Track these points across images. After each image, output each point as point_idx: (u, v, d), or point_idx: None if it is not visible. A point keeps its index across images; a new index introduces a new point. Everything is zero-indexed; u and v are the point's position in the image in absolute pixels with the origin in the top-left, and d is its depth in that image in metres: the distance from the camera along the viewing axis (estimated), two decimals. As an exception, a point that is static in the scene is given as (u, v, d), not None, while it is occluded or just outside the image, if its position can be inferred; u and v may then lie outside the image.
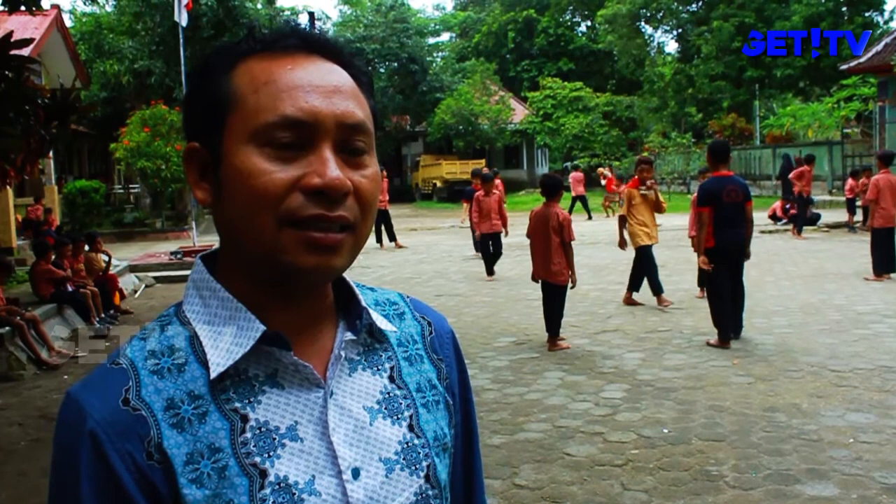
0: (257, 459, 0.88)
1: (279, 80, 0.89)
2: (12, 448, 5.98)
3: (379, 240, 18.22)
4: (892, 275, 11.47)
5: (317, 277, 0.91)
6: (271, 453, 0.88)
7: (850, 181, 17.83)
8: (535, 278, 8.28)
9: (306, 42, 0.93)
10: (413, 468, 0.96)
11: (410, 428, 0.98)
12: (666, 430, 5.54)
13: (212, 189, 0.93)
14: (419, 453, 0.98)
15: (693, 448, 5.18)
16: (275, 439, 0.89)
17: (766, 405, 5.99)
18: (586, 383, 6.81)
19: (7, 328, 8.29)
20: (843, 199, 19.07)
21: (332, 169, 0.88)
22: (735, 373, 6.90)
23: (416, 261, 16.13)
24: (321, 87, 0.90)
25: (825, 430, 5.41)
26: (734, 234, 7.90)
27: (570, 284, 8.06)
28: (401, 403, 0.99)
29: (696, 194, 8.71)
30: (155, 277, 14.75)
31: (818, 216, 19.42)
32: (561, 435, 5.56)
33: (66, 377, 8.05)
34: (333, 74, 0.92)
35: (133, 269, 14.95)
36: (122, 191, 32.06)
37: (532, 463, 5.06)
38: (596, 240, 18.12)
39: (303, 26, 0.96)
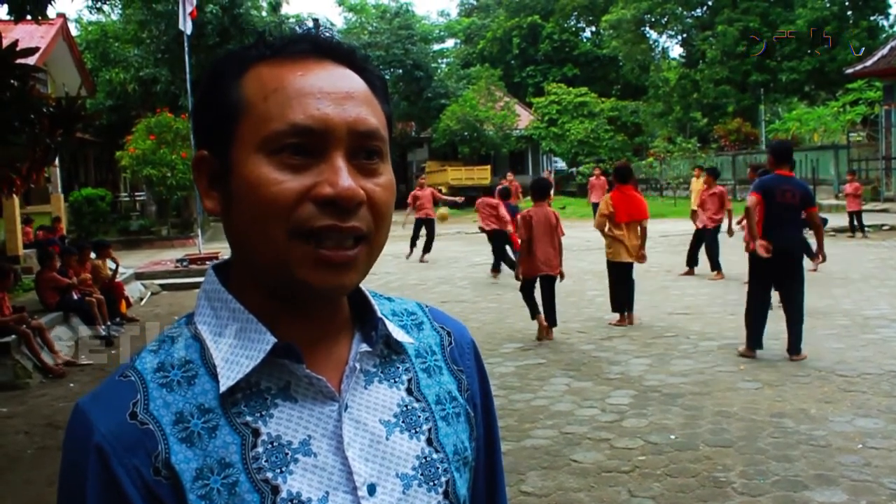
0: (269, 475, 0.85)
1: (289, 86, 0.87)
2: (18, 456, 5.98)
3: (419, 247, 17.01)
4: None
5: (328, 294, 0.89)
6: (284, 469, 0.86)
7: None
8: (532, 276, 8.76)
9: (318, 47, 0.91)
10: (431, 484, 0.93)
11: (429, 442, 0.95)
12: (673, 437, 5.52)
13: (221, 198, 0.91)
14: (438, 468, 0.95)
15: (700, 454, 5.16)
16: (287, 454, 0.86)
17: (774, 411, 5.96)
18: (593, 389, 6.79)
19: (13, 336, 8.30)
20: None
21: (344, 178, 0.85)
22: (742, 378, 6.87)
23: (422, 267, 16.11)
24: (332, 93, 0.87)
25: (833, 435, 5.38)
26: (784, 239, 7.24)
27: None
28: (419, 416, 0.96)
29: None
30: (161, 285, 14.74)
31: (825, 221, 19.34)
32: (567, 441, 5.54)
33: (71, 385, 8.05)
34: (346, 80, 0.90)
35: (139, 276, 14.95)
36: (127, 198, 32.13)
37: (539, 470, 5.05)
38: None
39: (314, 31, 0.94)
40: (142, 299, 13.66)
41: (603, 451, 5.31)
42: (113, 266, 12.05)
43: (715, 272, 12.74)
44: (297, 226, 0.85)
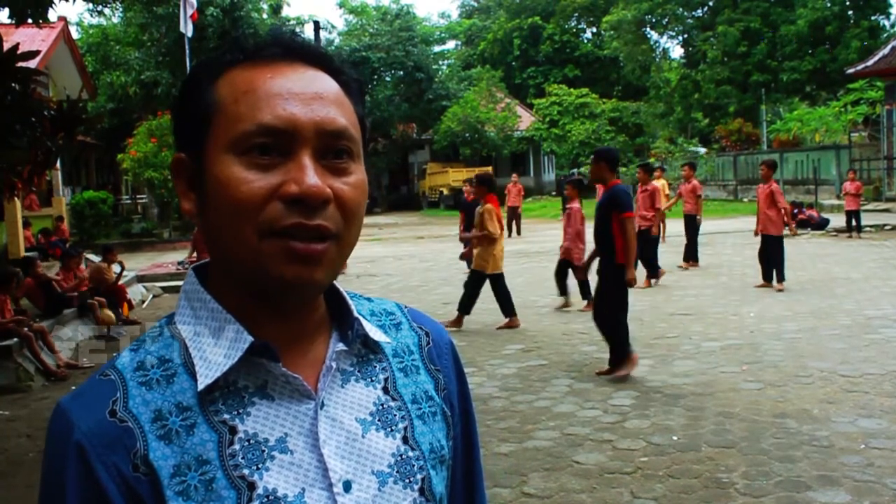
0: (245, 472, 0.86)
1: (259, 88, 0.89)
2: (21, 459, 5.98)
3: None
4: None
5: (299, 290, 0.90)
6: (260, 466, 0.87)
7: None
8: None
9: (289, 50, 0.93)
10: (407, 481, 0.95)
11: (405, 440, 0.97)
12: (675, 437, 5.51)
13: (198, 200, 0.93)
14: (413, 466, 0.96)
15: (703, 455, 5.15)
16: (264, 451, 0.88)
17: (777, 411, 5.95)
18: (595, 390, 6.78)
19: (15, 339, 8.31)
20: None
21: (311, 176, 0.86)
22: (744, 379, 6.86)
23: (424, 269, 16.12)
24: (301, 94, 0.89)
25: (836, 436, 5.37)
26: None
27: None
28: (395, 415, 0.98)
29: (604, 200, 7.26)
30: (162, 287, 14.78)
31: (827, 221, 19.36)
32: (570, 443, 5.53)
33: (73, 388, 8.03)
34: (316, 81, 0.91)
35: (141, 279, 14.99)
36: (129, 201, 32.21)
37: (541, 471, 5.04)
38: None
39: (288, 34, 0.95)
40: (143, 302, 13.69)
41: (605, 453, 5.30)
42: (118, 269, 12.08)
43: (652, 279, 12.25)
44: (266, 224, 0.86)
